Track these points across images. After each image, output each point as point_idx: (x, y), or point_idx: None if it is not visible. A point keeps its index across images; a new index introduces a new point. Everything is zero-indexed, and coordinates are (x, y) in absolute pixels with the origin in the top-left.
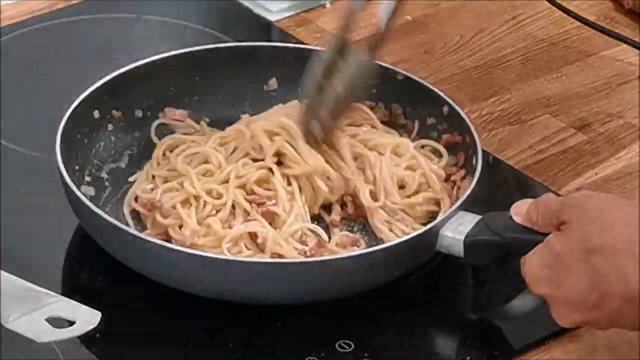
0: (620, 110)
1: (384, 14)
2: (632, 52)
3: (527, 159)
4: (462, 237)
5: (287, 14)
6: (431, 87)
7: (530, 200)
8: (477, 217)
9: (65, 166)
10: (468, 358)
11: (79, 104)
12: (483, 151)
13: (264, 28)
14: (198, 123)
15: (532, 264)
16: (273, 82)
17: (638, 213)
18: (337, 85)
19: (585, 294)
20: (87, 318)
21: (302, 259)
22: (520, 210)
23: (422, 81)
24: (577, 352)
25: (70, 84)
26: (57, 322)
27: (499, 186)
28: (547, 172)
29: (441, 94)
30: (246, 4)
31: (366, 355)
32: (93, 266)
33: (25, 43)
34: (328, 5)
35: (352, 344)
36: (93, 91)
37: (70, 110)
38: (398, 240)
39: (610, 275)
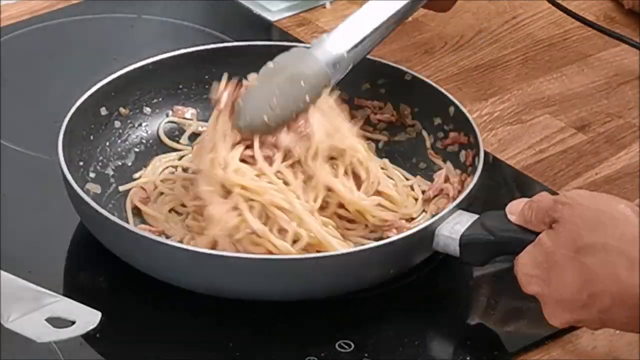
0: (620, 110)
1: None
2: (632, 52)
3: (527, 159)
4: (458, 237)
5: (287, 14)
6: (438, 87)
7: (525, 200)
8: (474, 217)
9: (67, 162)
10: (467, 358)
11: (85, 101)
12: (484, 151)
13: (264, 28)
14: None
15: (523, 263)
16: None
17: (630, 212)
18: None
19: (576, 293)
20: (87, 318)
21: (298, 255)
22: (516, 210)
23: (429, 81)
24: (576, 352)
25: (70, 84)
26: (57, 322)
27: (499, 186)
28: (547, 172)
29: (448, 94)
30: (246, 4)
31: (366, 355)
32: (94, 266)
33: (25, 43)
34: (328, 5)
35: (352, 344)
36: (100, 88)
37: (76, 106)
38: (394, 237)
39: (601, 274)
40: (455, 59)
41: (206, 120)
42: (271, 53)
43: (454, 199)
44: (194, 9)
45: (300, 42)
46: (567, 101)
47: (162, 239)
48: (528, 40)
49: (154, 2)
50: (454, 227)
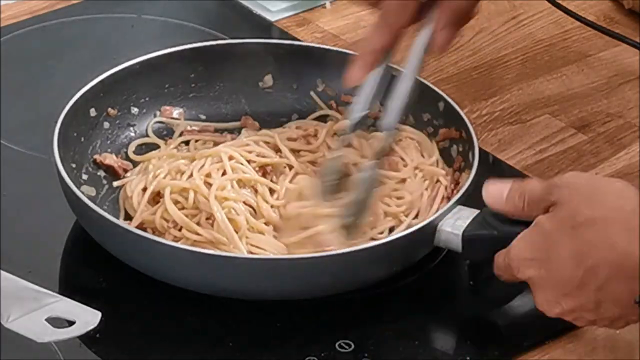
0: (620, 110)
1: (390, 120)
2: (632, 52)
3: (527, 159)
4: (460, 232)
5: (287, 14)
6: (426, 82)
7: (503, 184)
8: (475, 212)
9: (63, 165)
10: (468, 358)
11: (75, 103)
12: (484, 151)
13: (264, 28)
14: (194, 121)
15: (519, 247)
16: (268, 79)
17: (628, 187)
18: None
19: (572, 269)
20: (87, 318)
21: (299, 255)
22: (497, 196)
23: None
24: (576, 352)
25: (70, 84)
26: (57, 322)
27: None
28: (547, 172)
29: (436, 89)
30: (246, 4)
31: (366, 355)
32: (93, 266)
33: (25, 43)
34: (328, 5)
35: (352, 344)
36: (89, 89)
37: (67, 108)
38: (397, 235)
39: (598, 244)
40: (455, 59)
41: (193, 119)
42: (265, 50)
43: (449, 197)
44: (194, 9)
45: (300, 42)
46: (567, 101)
47: (162, 239)
48: (528, 40)
49: (154, 2)
50: (456, 223)
